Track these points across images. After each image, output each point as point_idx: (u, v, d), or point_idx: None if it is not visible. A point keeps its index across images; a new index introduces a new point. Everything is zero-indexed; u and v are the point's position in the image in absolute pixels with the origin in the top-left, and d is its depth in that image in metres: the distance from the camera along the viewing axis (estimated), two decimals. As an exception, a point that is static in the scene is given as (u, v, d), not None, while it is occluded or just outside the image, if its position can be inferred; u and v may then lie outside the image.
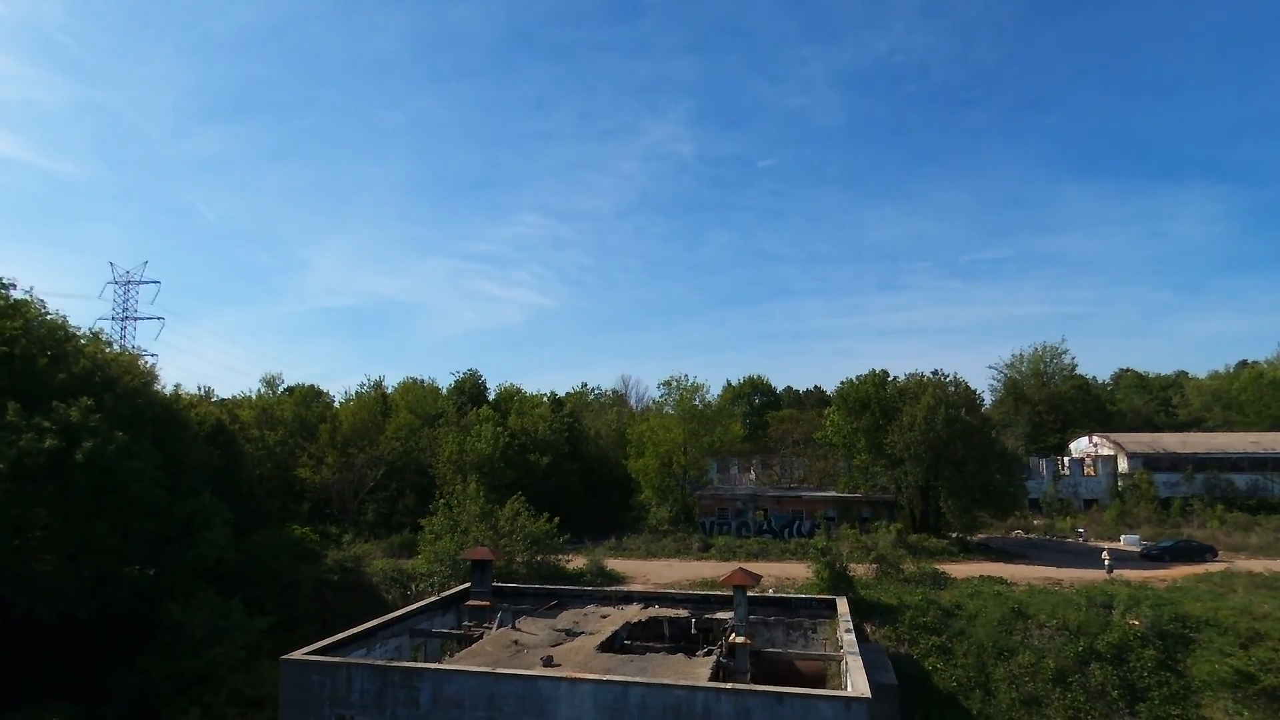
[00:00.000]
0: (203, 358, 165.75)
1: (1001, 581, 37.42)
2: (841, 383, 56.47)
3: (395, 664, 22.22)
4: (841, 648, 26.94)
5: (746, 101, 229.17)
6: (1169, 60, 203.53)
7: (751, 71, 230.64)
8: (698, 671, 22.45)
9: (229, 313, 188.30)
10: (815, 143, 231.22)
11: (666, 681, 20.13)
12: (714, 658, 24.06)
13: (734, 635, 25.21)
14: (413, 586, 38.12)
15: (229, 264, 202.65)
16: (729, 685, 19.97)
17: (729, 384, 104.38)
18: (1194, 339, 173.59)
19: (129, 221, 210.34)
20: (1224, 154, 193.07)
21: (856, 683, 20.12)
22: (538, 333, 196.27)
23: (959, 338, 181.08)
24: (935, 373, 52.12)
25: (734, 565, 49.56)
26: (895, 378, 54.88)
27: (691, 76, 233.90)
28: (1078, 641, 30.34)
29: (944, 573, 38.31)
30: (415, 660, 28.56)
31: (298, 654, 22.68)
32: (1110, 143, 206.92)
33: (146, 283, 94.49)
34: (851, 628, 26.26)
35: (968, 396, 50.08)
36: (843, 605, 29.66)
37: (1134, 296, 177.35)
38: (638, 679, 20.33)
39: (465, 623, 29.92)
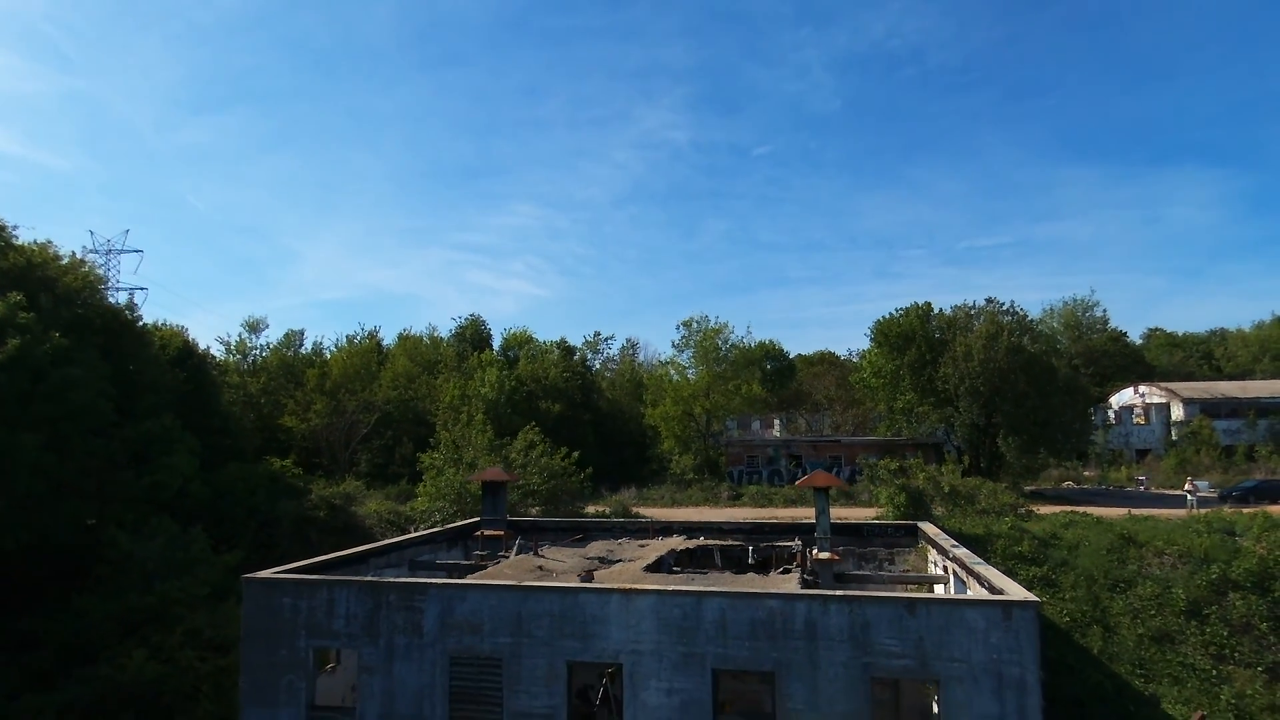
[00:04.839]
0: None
1: (1089, 516, 32.60)
2: (879, 319, 51.25)
3: (391, 579, 17.15)
4: (937, 573, 22.19)
5: (741, 87, 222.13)
6: (1165, 43, 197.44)
7: (746, 56, 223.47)
8: (783, 586, 17.44)
9: (222, 307, 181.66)
10: (811, 129, 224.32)
11: (755, 590, 15.14)
12: (795, 575, 19.07)
13: (816, 550, 20.16)
14: (412, 529, 33.01)
15: (221, 257, 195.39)
16: (839, 591, 14.97)
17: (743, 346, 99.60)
18: (1191, 327, 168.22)
19: (117, 214, 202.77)
20: (1219, 137, 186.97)
21: (1008, 585, 15.14)
22: (533, 324, 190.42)
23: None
24: (989, 301, 47.02)
25: (770, 511, 44.97)
26: (940, 310, 49.74)
27: (685, 62, 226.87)
28: (1208, 569, 25.43)
29: (1025, 505, 33.35)
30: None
31: (265, 573, 17.64)
32: (1107, 126, 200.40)
33: (128, 252, 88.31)
34: (957, 542, 21.26)
35: (1026, 324, 45.04)
36: (929, 528, 24.71)
37: (1130, 283, 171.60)
38: (714, 588, 15.32)
39: (476, 552, 24.84)
